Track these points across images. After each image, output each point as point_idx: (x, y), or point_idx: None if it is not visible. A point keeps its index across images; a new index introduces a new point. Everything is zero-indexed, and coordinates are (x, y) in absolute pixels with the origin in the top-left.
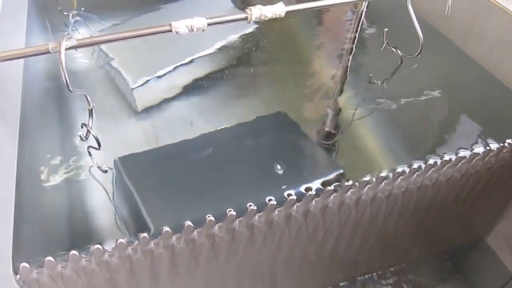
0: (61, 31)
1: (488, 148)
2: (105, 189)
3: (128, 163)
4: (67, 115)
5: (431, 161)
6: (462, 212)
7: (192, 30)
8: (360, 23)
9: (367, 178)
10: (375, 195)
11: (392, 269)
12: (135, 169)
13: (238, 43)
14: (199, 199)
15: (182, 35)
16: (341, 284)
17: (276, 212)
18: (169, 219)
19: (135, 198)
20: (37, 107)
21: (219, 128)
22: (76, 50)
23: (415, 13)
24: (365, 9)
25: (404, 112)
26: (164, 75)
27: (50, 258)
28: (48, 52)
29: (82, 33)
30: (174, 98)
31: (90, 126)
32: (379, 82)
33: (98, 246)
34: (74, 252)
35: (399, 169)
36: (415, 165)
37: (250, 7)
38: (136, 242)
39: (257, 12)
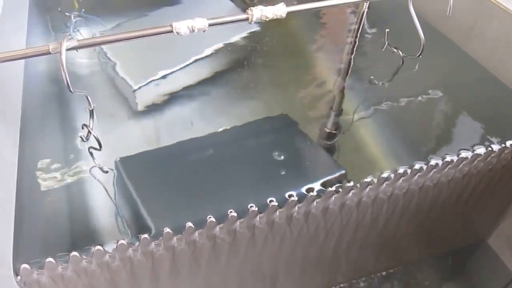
0: (62, 32)
1: (489, 149)
2: (106, 190)
3: (129, 164)
4: (68, 116)
5: (432, 162)
6: (463, 213)
7: (193, 31)
8: (361, 24)
9: (368, 179)
10: (377, 196)
11: (393, 270)
12: (136, 170)
13: (239, 45)
14: (200, 200)
15: (183, 36)
16: (342, 285)
17: (277, 213)
18: (170, 220)
19: (136, 199)
20: (38, 107)
21: (220, 129)
22: (77, 51)
23: (416, 14)
24: (366, 10)
25: (405, 113)
26: (165, 76)
27: (50, 259)
28: (49, 53)
29: (83, 34)
30: (175, 99)
31: (91, 127)
32: (381, 83)
33: (99, 247)
34: (74, 253)
35: (401, 170)
36: (417, 166)
37: (251, 7)
38: (137, 243)
39: (258, 13)
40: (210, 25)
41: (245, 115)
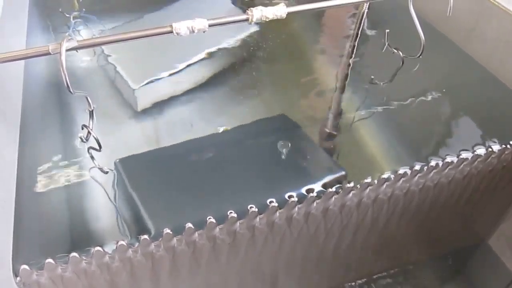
0: (62, 32)
1: (490, 149)
2: (105, 191)
3: (128, 165)
4: (68, 116)
5: (433, 163)
6: (464, 213)
7: (193, 31)
8: (362, 25)
9: (368, 180)
10: (377, 197)
11: (393, 271)
12: (135, 170)
13: (239, 46)
14: (200, 201)
15: (183, 36)
16: (342, 286)
17: (277, 214)
18: (169, 221)
19: (136, 200)
20: (37, 108)
21: (220, 130)
22: (77, 51)
23: (416, 14)
24: (366, 10)
25: (405, 114)
26: (165, 76)
27: (50, 260)
28: (49, 54)
29: (83, 34)
30: (175, 99)
31: (90, 128)
32: (381, 83)
33: (99, 248)
34: (74, 254)
35: (401, 171)
36: (417, 167)
37: (251, 8)
38: (137, 244)
39: (258, 13)
40: (210, 25)
41: (245, 115)
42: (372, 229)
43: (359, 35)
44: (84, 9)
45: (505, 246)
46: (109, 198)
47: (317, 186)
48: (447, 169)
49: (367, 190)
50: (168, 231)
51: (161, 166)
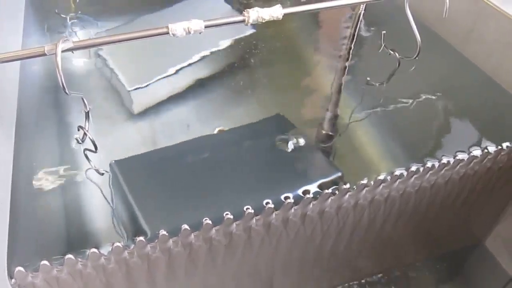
0: (58, 33)
1: (486, 151)
2: (101, 192)
3: (124, 166)
4: (64, 117)
5: (429, 164)
6: (460, 214)
7: (189, 32)
8: (358, 26)
9: (365, 181)
10: (373, 198)
11: (390, 272)
12: (131, 172)
13: (236, 46)
14: (196, 202)
15: (180, 37)
16: (339, 287)
17: (274, 215)
18: (165, 222)
19: (132, 201)
20: (33, 109)
21: (216, 131)
22: (72, 52)
23: (412, 16)
24: (363, 12)
25: (402, 115)
26: (161, 78)
27: (45, 262)
28: (44, 55)
29: (80, 35)
30: (171, 101)
31: (86, 129)
32: (377, 85)
33: (94, 250)
34: (70, 256)
35: (397, 172)
36: (413, 168)
37: (248, 9)
38: (133, 246)
39: (255, 14)
40: (206, 26)
41: (242, 117)
42: (369, 231)
43: (355, 36)
44: (80, 10)
45: (502, 247)
46: (105, 199)
47: (313, 187)
48: (443, 170)
49: (364, 191)
50: (164, 232)
51: (157, 167)
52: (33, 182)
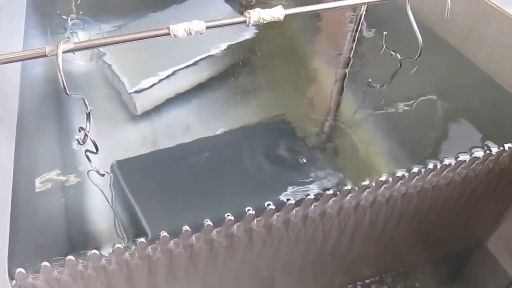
0: (59, 34)
1: (487, 152)
2: (102, 193)
3: (125, 167)
4: (65, 118)
5: (430, 165)
6: (462, 216)
7: (191, 33)
8: (359, 27)
9: (366, 182)
10: (375, 199)
11: (391, 273)
12: (132, 173)
13: (237, 48)
14: (197, 203)
15: (181, 38)
16: None
17: (275, 216)
18: (166, 223)
19: (133, 203)
20: (34, 110)
21: (217, 132)
22: (74, 53)
23: (414, 17)
24: (364, 13)
25: (403, 116)
26: (163, 78)
27: (46, 263)
28: (46, 56)
29: (81, 36)
30: (172, 102)
31: (87, 130)
32: (378, 86)
33: (95, 251)
34: (70, 257)
35: (399, 173)
36: (415, 169)
37: (249, 10)
38: (134, 247)
39: (256, 15)
40: (207, 27)
41: (243, 118)
42: (370, 232)
43: (357, 37)
44: (82, 12)
45: (503, 248)
46: (106, 200)
47: (314, 189)
48: (445, 171)
49: (365, 192)
50: (165, 234)
51: (158, 168)
52: (34, 183)
